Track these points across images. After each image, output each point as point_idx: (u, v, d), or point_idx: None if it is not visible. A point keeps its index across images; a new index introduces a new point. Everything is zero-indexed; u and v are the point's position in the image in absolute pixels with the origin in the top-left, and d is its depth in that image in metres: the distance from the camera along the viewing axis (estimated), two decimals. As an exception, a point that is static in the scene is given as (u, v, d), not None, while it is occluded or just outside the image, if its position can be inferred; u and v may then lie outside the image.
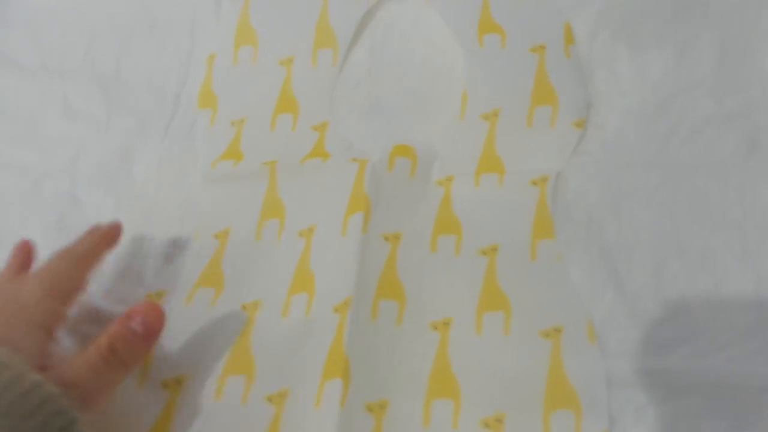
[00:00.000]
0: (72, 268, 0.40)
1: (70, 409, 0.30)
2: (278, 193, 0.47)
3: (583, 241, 0.43)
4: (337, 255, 0.42)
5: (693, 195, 0.43)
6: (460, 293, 0.41)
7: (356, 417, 0.37)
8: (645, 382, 0.38)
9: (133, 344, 0.35)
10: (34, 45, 0.57)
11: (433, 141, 0.48)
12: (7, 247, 0.43)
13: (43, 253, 0.46)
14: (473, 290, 0.41)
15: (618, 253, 0.42)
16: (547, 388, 0.38)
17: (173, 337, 0.41)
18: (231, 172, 0.48)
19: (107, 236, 0.43)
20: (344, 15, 0.54)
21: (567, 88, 0.47)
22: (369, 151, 0.48)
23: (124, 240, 0.47)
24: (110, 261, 0.46)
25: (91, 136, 0.52)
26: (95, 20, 0.57)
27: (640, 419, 0.37)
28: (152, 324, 0.35)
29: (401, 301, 0.41)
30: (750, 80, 0.46)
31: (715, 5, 0.49)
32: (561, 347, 0.39)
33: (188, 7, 0.57)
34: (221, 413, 0.39)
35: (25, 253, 0.42)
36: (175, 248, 0.47)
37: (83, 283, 0.40)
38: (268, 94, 0.52)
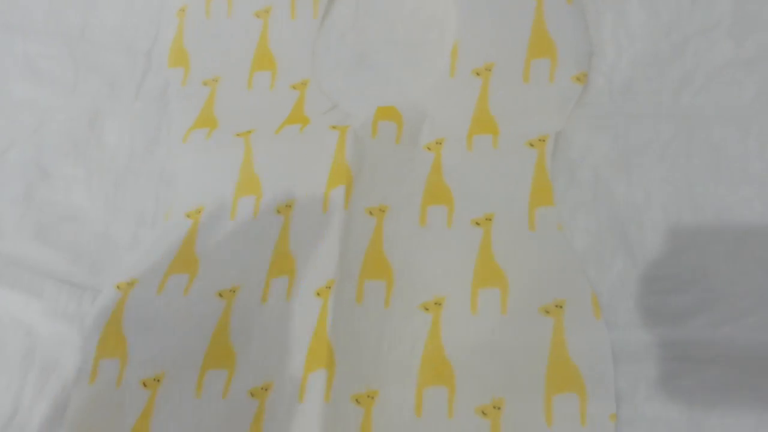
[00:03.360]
0: None
1: None
2: (254, 167, 0.44)
3: (589, 204, 0.41)
4: (317, 233, 0.40)
5: (709, 147, 0.41)
6: (452, 269, 0.39)
7: (343, 410, 0.35)
8: (658, 354, 0.36)
9: None
10: (-8, 0, 0.53)
11: (420, 101, 0.45)
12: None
13: (10, 228, 0.45)
14: (467, 265, 0.39)
15: (628, 214, 0.40)
16: (549, 370, 0.36)
17: (147, 331, 0.40)
18: (204, 145, 0.45)
19: None
20: None
21: (567, 38, 0.44)
22: (353, 113, 0.45)
23: (97, 219, 0.45)
24: (85, 243, 0.44)
25: (57, 100, 0.49)
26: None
27: (653, 395, 0.36)
28: None
29: (389, 281, 0.39)
30: None
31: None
32: (563, 324, 0.37)
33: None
34: (202, 410, 0.37)
35: None
36: (146, 229, 0.44)
37: None
38: (244, 50, 0.49)
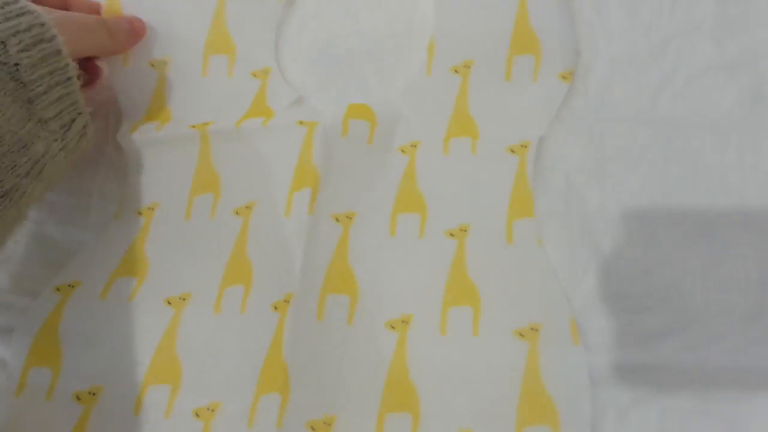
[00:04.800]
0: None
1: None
2: (212, 162, 0.41)
3: (560, 214, 0.38)
4: (278, 240, 0.37)
5: (688, 157, 0.39)
6: (422, 285, 0.37)
7: None
8: (629, 379, 0.34)
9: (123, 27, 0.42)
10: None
11: (394, 99, 0.42)
12: None
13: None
14: (438, 281, 0.37)
15: (601, 226, 0.38)
16: (521, 400, 0.33)
17: (86, 340, 0.37)
18: (155, 137, 0.42)
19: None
20: None
21: (551, 33, 0.41)
22: (321, 107, 0.42)
23: (33, 218, 0.42)
24: (20, 244, 0.41)
25: None
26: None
27: (623, 422, 0.34)
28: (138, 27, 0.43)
29: (353, 296, 0.36)
30: (756, 21, 0.41)
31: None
32: (538, 350, 0.34)
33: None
34: (142, 430, 0.35)
35: None
36: (91, 227, 0.41)
37: None
38: (197, 30, 0.45)
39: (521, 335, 0.35)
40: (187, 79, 0.44)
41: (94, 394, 0.35)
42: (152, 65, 0.44)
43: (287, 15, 0.46)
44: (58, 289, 0.38)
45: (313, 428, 0.33)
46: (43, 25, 0.35)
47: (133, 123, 0.42)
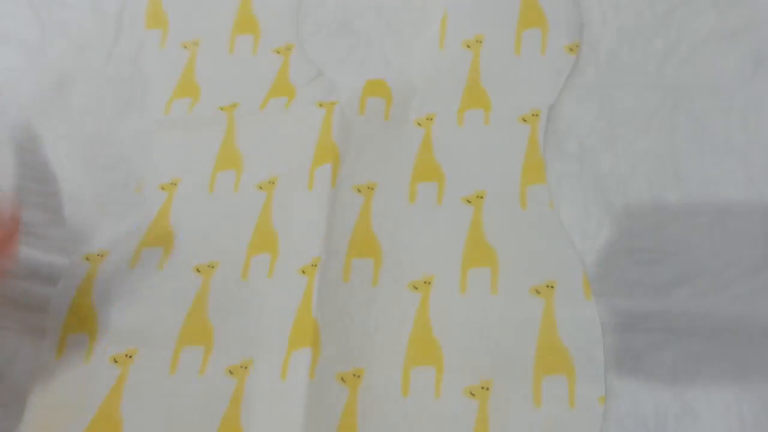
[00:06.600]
0: None
1: None
2: (235, 142, 0.44)
3: (575, 175, 0.41)
4: (302, 211, 0.40)
5: (693, 119, 0.41)
6: (442, 248, 0.39)
7: (328, 388, 0.35)
8: (643, 326, 0.37)
9: None
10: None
11: (410, 74, 0.45)
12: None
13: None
14: (457, 244, 0.39)
15: (613, 186, 0.40)
16: (538, 351, 0.36)
17: (119, 306, 0.39)
18: (185, 118, 0.45)
19: None
20: None
21: (557, 7, 0.44)
22: (339, 82, 0.45)
23: (62, 188, 0.43)
24: (44, 207, 0.43)
25: (22, 62, 0.48)
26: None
27: (638, 366, 0.36)
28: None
29: (377, 259, 0.39)
30: None
31: None
32: (554, 305, 0.37)
33: None
34: (177, 388, 0.37)
35: None
36: (115, 198, 0.43)
37: None
38: (225, 12, 0.48)
39: (537, 292, 0.37)
40: (214, 57, 0.47)
41: (130, 356, 0.37)
42: (185, 46, 0.47)
43: None
44: (87, 258, 0.40)
45: (343, 380, 0.35)
46: None
47: (162, 99, 0.45)
